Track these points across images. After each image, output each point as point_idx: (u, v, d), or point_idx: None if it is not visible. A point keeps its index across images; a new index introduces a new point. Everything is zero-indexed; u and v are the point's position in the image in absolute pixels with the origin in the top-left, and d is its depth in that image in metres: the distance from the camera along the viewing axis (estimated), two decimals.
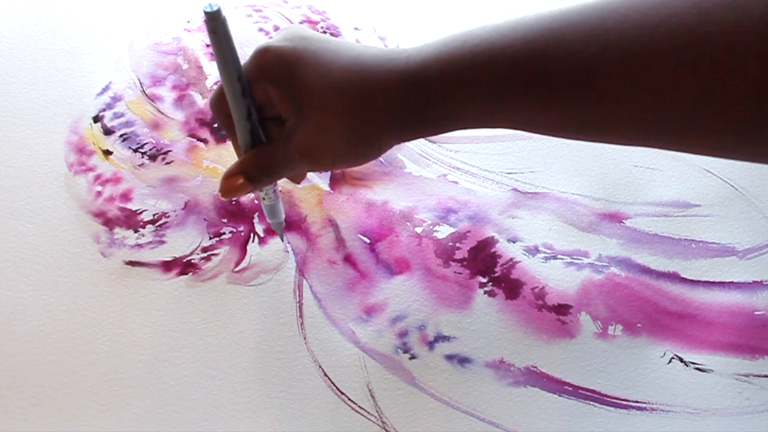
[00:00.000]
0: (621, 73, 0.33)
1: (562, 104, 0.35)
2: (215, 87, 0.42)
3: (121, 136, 0.55)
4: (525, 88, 0.36)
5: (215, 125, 0.56)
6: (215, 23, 0.36)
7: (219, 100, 0.41)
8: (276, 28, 0.60)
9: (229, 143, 0.55)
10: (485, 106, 0.37)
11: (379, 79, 0.38)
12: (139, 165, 0.54)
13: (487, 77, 0.36)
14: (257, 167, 0.42)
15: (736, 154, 0.34)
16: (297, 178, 0.48)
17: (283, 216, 0.48)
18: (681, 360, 0.47)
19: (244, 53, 0.59)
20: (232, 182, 0.42)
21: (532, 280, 0.50)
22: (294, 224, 0.52)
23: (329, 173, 0.54)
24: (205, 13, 0.36)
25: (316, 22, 0.60)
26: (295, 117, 0.40)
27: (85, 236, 0.51)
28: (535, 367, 0.47)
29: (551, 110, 0.36)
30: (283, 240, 0.51)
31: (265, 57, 0.39)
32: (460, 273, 0.50)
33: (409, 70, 0.38)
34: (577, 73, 0.34)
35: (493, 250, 0.51)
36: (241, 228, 0.52)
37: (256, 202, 0.53)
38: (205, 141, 0.55)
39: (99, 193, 0.53)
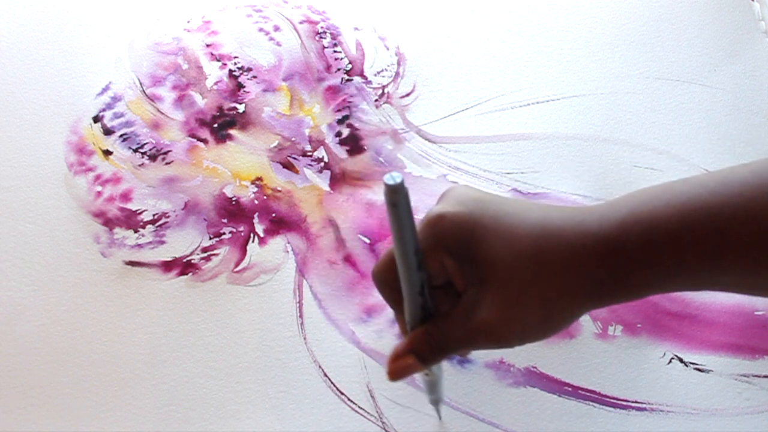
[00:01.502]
0: None
1: None
2: (378, 261, 0.39)
3: (121, 136, 0.55)
4: (747, 249, 0.33)
5: (215, 125, 0.56)
6: (397, 196, 0.33)
7: (386, 273, 0.37)
8: (276, 28, 0.60)
9: (229, 143, 0.55)
10: (699, 270, 0.34)
11: (571, 244, 0.35)
12: (139, 165, 0.54)
13: (703, 240, 0.33)
14: (430, 346, 0.37)
15: None
16: (464, 354, 0.44)
17: (443, 393, 0.43)
18: (681, 360, 0.47)
19: (245, 53, 0.59)
20: (402, 363, 0.37)
21: None
22: (294, 224, 0.52)
23: (329, 173, 0.54)
24: (387, 185, 0.33)
25: (316, 22, 0.60)
26: (477, 290, 0.35)
27: (85, 236, 0.51)
28: (535, 367, 0.47)
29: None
30: (440, 418, 0.45)
31: (441, 225, 0.36)
32: None
33: (604, 234, 0.34)
34: None
35: None
36: (241, 228, 0.52)
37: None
38: (205, 141, 0.55)
39: (99, 193, 0.53)
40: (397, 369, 0.38)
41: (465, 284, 0.36)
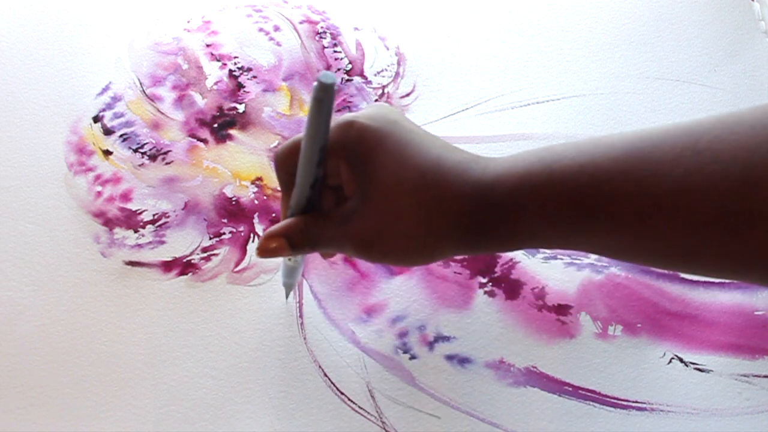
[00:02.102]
0: (715, 197, 0.31)
1: (647, 228, 0.33)
2: (285, 141, 0.41)
3: (121, 136, 0.55)
4: (607, 209, 0.34)
5: (215, 125, 0.56)
6: (324, 94, 0.35)
7: (287, 157, 0.40)
8: (276, 28, 0.60)
9: (229, 143, 0.55)
10: (561, 226, 0.35)
11: (453, 187, 0.37)
12: (139, 165, 0.54)
13: (566, 196, 0.34)
14: (303, 236, 0.40)
15: None
16: (328, 255, 0.46)
17: (299, 279, 0.46)
18: (681, 360, 0.47)
19: (245, 53, 0.59)
20: (273, 243, 0.40)
21: (532, 281, 0.50)
22: None
23: None
24: (319, 81, 0.34)
25: (316, 22, 0.60)
26: (359, 202, 0.38)
27: (85, 236, 0.51)
28: (535, 367, 0.47)
29: (636, 234, 0.34)
30: (287, 298, 0.49)
31: (348, 132, 0.38)
32: (459, 273, 0.50)
33: (483, 183, 0.36)
34: (666, 194, 0.32)
35: None
36: (241, 228, 0.52)
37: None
38: (205, 141, 0.55)
39: (99, 193, 0.53)
40: (267, 248, 0.40)
41: (352, 193, 0.39)
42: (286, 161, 0.41)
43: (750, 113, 0.32)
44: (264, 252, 0.40)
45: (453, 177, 0.37)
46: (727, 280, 0.50)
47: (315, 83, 0.35)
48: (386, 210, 0.37)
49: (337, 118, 0.38)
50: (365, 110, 0.40)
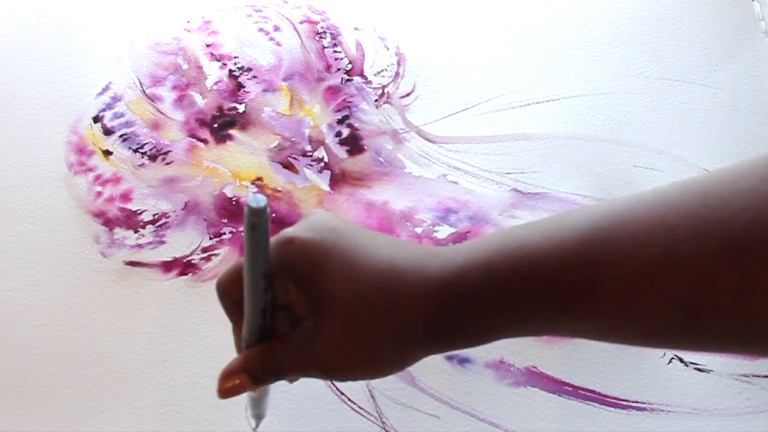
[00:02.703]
0: (692, 275, 0.29)
1: (625, 311, 0.31)
2: (225, 268, 0.39)
3: (121, 136, 0.55)
4: (580, 296, 0.31)
5: (215, 125, 0.56)
6: (257, 219, 0.33)
7: (230, 286, 0.37)
8: (276, 28, 0.60)
9: (229, 143, 0.55)
10: (531, 316, 0.33)
11: (411, 288, 0.34)
12: (139, 165, 0.54)
13: (533, 286, 0.32)
14: (264, 367, 0.37)
15: None
16: (294, 380, 0.42)
17: (266, 411, 0.43)
18: (681, 360, 0.47)
19: (245, 53, 0.59)
20: (233, 382, 0.37)
21: None
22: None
23: (329, 173, 0.54)
24: (248, 206, 0.32)
25: (316, 22, 0.60)
26: (314, 321, 0.35)
27: (85, 236, 0.51)
28: (535, 367, 0.47)
29: (612, 318, 0.32)
30: (256, 429, 0.44)
31: (289, 249, 0.35)
32: None
33: (444, 279, 0.34)
34: (643, 278, 0.30)
35: None
36: (242, 228, 0.52)
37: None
38: (205, 141, 0.55)
39: (99, 194, 0.53)
40: (228, 388, 0.37)
41: (305, 313, 0.36)
42: (229, 291, 0.37)
43: (714, 179, 0.30)
44: (225, 393, 0.37)
45: (411, 277, 0.34)
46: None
47: (245, 208, 0.33)
48: (347, 327, 0.35)
49: (275, 237, 0.36)
50: (302, 222, 0.37)
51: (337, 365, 0.36)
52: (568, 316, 0.32)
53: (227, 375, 0.37)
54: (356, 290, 0.34)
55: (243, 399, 0.46)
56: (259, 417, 0.43)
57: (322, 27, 0.60)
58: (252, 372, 0.37)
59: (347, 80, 0.58)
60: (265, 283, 0.35)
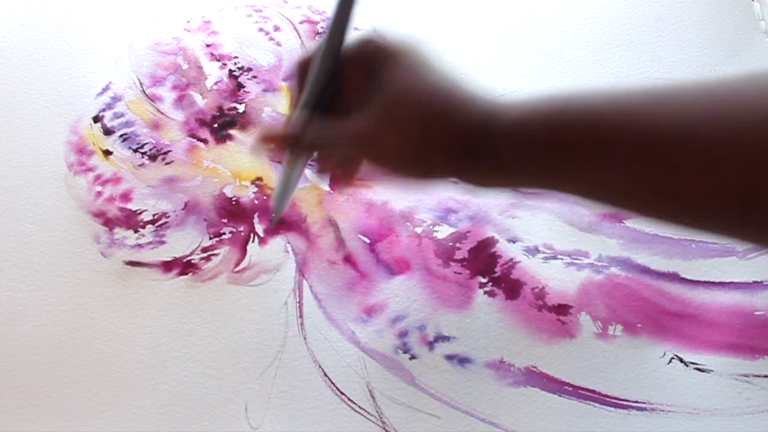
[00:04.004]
0: (734, 133, 0.31)
1: (657, 163, 0.33)
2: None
3: (121, 136, 0.55)
4: (622, 141, 0.33)
5: (215, 125, 0.56)
6: None
7: (305, 62, 0.41)
8: (276, 28, 0.60)
9: (229, 143, 0.55)
10: (565, 159, 0.35)
11: (457, 107, 0.37)
12: (139, 165, 0.54)
13: (542, 140, 0.35)
14: (304, 133, 0.40)
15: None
16: (326, 166, 0.45)
17: (288, 204, 0.46)
18: (681, 360, 0.47)
19: (245, 53, 0.59)
20: (273, 134, 0.41)
21: (532, 281, 0.50)
22: (294, 224, 0.52)
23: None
24: None
25: (316, 22, 0.60)
26: (367, 103, 0.38)
27: (85, 236, 0.51)
28: (535, 367, 0.47)
29: (642, 170, 0.33)
30: (272, 223, 0.48)
31: (368, 42, 0.39)
32: (460, 273, 0.50)
33: (491, 108, 0.37)
34: (684, 127, 0.32)
35: (493, 251, 0.51)
36: (241, 228, 0.52)
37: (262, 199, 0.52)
38: (205, 141, 0.55)
39: (99, 193, 0.53)
40: (266, 136, 0.41)
41: (359, 101, 0.39)
42: (302, 66, 0.41)
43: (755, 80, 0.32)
44: (262, 139, 0.41)
45: (462, 99, 0.37)
46: (725, 281, 0.50)
47: None
48: (388, 112, 0.38)
49: (363, 30, 0.40)
50: (392, 34, 0.40)
51: (368, 142, 0.38)
52: (598, 165, 0.34)
53: (269, 128, 0.41)
54: (413, 87, 0.37)
55: (241, 399, 0.46)
56: (279, 209, 0.46)
57: (322, 27, 0.60)
58: (293, 132, 0.40)
59: None
60: (333, 58, 0.39)
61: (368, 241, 0.52)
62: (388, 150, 0.38)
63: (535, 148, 0.36)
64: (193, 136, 0.55)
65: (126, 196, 0.53)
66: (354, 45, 0.39)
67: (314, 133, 0.40)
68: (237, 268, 0.51)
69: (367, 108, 0.38)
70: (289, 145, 0.41)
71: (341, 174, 0.45)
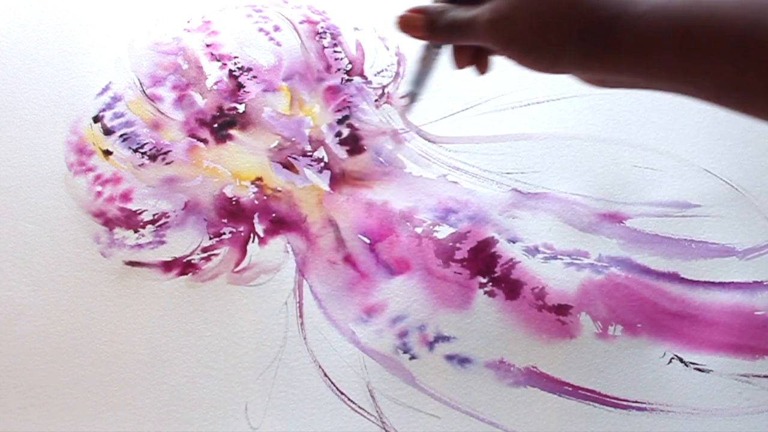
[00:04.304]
0: None
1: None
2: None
3: (121, 136, 0.55)
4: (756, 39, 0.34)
5: (215, 125, 0.56)
6: None
7: None
8: (276, 28, 0.60)
9: (229, 143, 0.55)
10: (683, 60, 0.36)
11: (594, 2, 0.38)
12: (139, 165, 0.54)
13: (668, 36, 0.35)
14: (442, 16, 0.42)
15: None
16: (462, 58, 0.46)
17: (423, 92, 0.48)
18: (681, 360, 0.47)
19: (245, 53, 0.59)
20: (414, 17, 0.43)
21: (532, 281, 0.50)
22: (294, 224, 0.52)
23: (329, 173, 0.54)
24: None
25: (316, 22, 0.60)
26: None
27: (85, 236, 0.51)
28: (535, 367, 0.47)
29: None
30: (407, 114, 0.51)
31: None
32: (460, 273, 0.50)
33: (621, 3, 0.37)
34: None
35: (493, 251, 0.51)
36: (241, 228, 0.52)
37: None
38: (205, 141, 0.55)
39: (99, 193, 0.53)
40: (407, 18, 0.43)
41: None
42: None
43: None
44: (403, 22, 0.43)
45: None
46: (725, 281, 0.50)
47: None
48: (519, 4, 0.38)
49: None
50: None
51: (501, 24, 0.39)
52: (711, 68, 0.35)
53: (411, 9, 0.43)
54: None
55: (241, 399, 0.46)
56: (414, 96, 0.49)
57: (322, 27, 0.60)
58: (432, 15, 0.42)
59: (347, 80, 0.58)
60: None
61: (368, 241, 0.52)
62: (519, 35, 0.39)
63: (665, 42, 0.36)
64: (193, 136, 0.55)
65: (126, 196, 0.53)
66: None
67: (451, 19, 0.41)
68: (237, 268, 0.51)
69: None
70: (427, 31, 0.43)
71: (476, 67, 0.46)
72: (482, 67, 0.46)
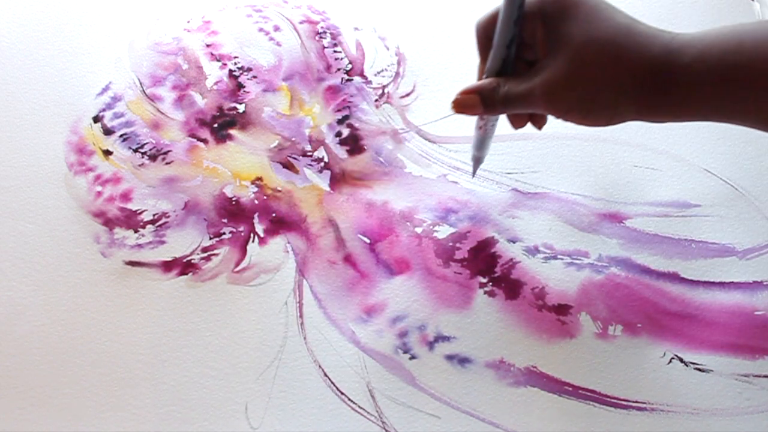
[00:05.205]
0: None
1: None
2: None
3: (121, 136, 0.55)
4: (753, 89, 0.37)
5: (215, 125, 0.56)
6: None
7: (487, 23, 0.43)
8: (276, 28, 0.60)
9: (229, 143, 0.55)
10: (738, 101, 0.39)
11: (641, 48, 0.40)
12: (139, 165, 0.54)
13: (756, 64, 0.37)
14: (495, 93, 0.43)
15: None
16: (519, 121, 0.48)
17: (486, 154, 0.50)
18: (681, 360, 0.47)
19: (245, 53, 0.59)
20: (468, 99, 0.44)
21: (532, 281, 0.50)
22: (294, 224, 0.52)
23: (329, 173, 0.54)
24: None
25: (316, 22, 0.60)
26: (549, 59, 0.41)
27: (85, 236, 0.51)
28: (535, 367, 0.47)
29: None
30: (473, 175, 0.52)
31: (547, 1, 0.41)
32: (460, 273, 0.50)
33: (671, 47, 0.39)
34: None
35: (493, 251, 0.51)
36: (241, 228, 0.52)
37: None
38: (205, 141, 0.55)
39: (99, 193, 0.53)
40: (462, 101, 0.44)
41: (543, 54, 0.42)
42: (485, 26, 0.44)
43: None
44: (459, 106, 0.44)
45: (642, 39, 0.40)
46: (725, 281, 0.50)
47: None
48: (574, 66, 0.40)
49: None
50: None
51: (557, 95, 0.41)
52: (734, 103, 0.38)
53: (464, 92, 0.44)
54: (592, 36, 0.40)
55: (241, 399, 0.46)
56: (478, 160, 0.50)
57: (322, 27, 0.60)
58: (485, 94, 0.44)
59: (347, 80, 0.58)
60: (517, 15, 0.41)
61: (368, 241, 0.52)
62: (578, 101, 0.41)
63: (713, 83, 0.38)
64: (193, 136, 0.55)
65: (126, 196, 0.53)
66: (531, 4, 0.42)
67: (504, 96, 0.43)
68: (237, 268, 0.51)
69: (553, 62, 0.41)
70: (483, 108, 0.44)
71: (532, 123, 0.48)
72: (539, 124, 0.48)
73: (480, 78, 0.45)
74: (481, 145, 0.49)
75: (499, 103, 0.43)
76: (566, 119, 0.43)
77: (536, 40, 0.42)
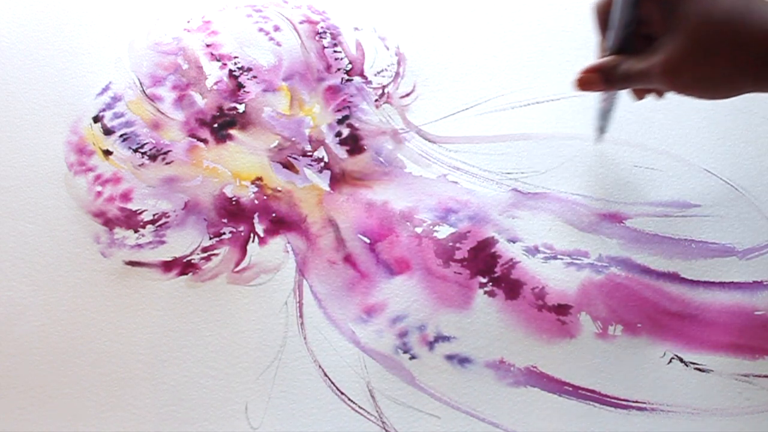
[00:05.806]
0: None
1: None
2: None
3: (121, 136, 0.55)
4: None
5: (215, 125, 0.56)
6: None
7: (605, 4, 0.45)
8: (276, 28, 0.60)
9: (229, 143, 0.55)
10: None
11: (756, 25, 0.41)
12: (139, 165, 0.54)
13: None
14: (617, 71, 0.45)
15: None
16: (640, 93, 0.50)
17: (609, 124, 0.52)
18: (681, 360, 0.47)
19: (245, 53, 0.59)
20: (590, 76, 0.46)
21: (532, 281, 0.50)
22: (294, 224, 0.52)
23: (329, 173, 0.54)
24: None
25: (316, 22, 0.60)
26: (668, 38, 0.42)
27: (85, 236, 0.51)
28: (535, 367, 0.47)
29: None
30: (596, 143, 0.54)
31: None
32: (460, 273, 0.50)
33: None
34: None
35: (493, 251, 0.51)
36: (241, 228, 0.52)
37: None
38: (205, 141, 0.55)
39: (99, 193, 0.53)
40: (584, 79, 0.47)
41: (662, 33, 0.43)
42: (604, 7, 0.46)
43: None
44: (582, 83, 0.47)
45: (759, 17, 0.41)
46: (725, 281, 0.50)
47: None
48: (692, 43, 0.41)
49: None
50: None
51: (677, 72, 0.42)
52: None
53: (586, 70, 0.46)
54: (710, 15, 0.41)
55: (241, 399, 0.46)
56: (602, 130, 0.53)
57: (322, 27, 0.60)
58: (606, 71, 0.46)
59: (347, 80, 0.58)
60: (635, 1, 0.43)
61: (368, 241, 0.52)
62: (698, 79, 0.42)
63: None
64: (193, 136, 0.55)
65: (126, 196, 0.53)
66: None
67: (625, 73, 0.45)
68: (237, 268, 0.51)
69: (672, 40, 0.42)
70: (605, 85, 0.46)
71: (654, 94, 0.50)
72: (660, 94, 0.50)
73: (601, 56, 0.47)
74: (603, 116, 0.52)
75: (620, 80, 0.45)
76: (686, 94, 0.44)
77: (653, 17, 0.44)
